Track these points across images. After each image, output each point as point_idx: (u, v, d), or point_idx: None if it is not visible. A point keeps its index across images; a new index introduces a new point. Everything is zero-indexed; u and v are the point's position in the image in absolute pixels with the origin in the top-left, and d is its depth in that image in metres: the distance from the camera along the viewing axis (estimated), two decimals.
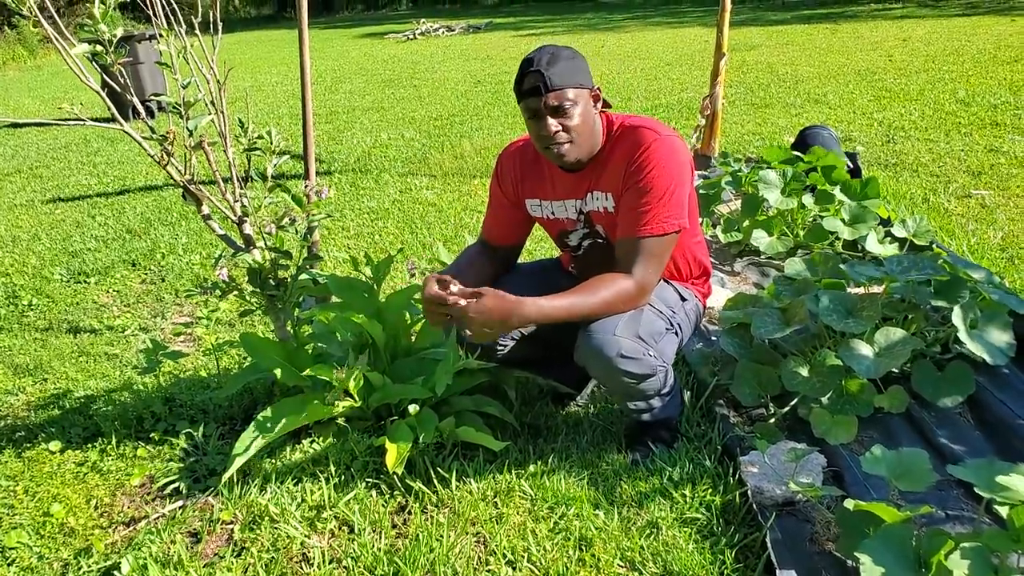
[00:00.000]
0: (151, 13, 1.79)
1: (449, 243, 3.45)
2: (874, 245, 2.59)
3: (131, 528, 1.76)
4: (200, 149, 1.81)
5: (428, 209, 4.04)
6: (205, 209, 1.93)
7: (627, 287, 1.60)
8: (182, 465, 1.95)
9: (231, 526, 1.72)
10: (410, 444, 1.75)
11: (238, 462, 1.74)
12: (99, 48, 1.69)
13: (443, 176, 4.71)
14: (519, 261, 1.99)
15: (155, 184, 5.09)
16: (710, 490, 1.68)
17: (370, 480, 1.80)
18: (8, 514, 1.82)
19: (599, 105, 1.67)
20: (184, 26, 1.84)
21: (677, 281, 1.86)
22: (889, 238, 2.67)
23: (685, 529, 1.58)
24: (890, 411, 1.87)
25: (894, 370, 1.84)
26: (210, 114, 1.86)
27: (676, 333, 1.76)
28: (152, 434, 2.07)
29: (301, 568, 1.58)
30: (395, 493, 1.77)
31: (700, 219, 2.40)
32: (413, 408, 1.84)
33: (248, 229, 1.95)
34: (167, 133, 1.77)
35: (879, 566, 1.19)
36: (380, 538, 1.64)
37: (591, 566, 1.52)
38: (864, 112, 5.32)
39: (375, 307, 1.98)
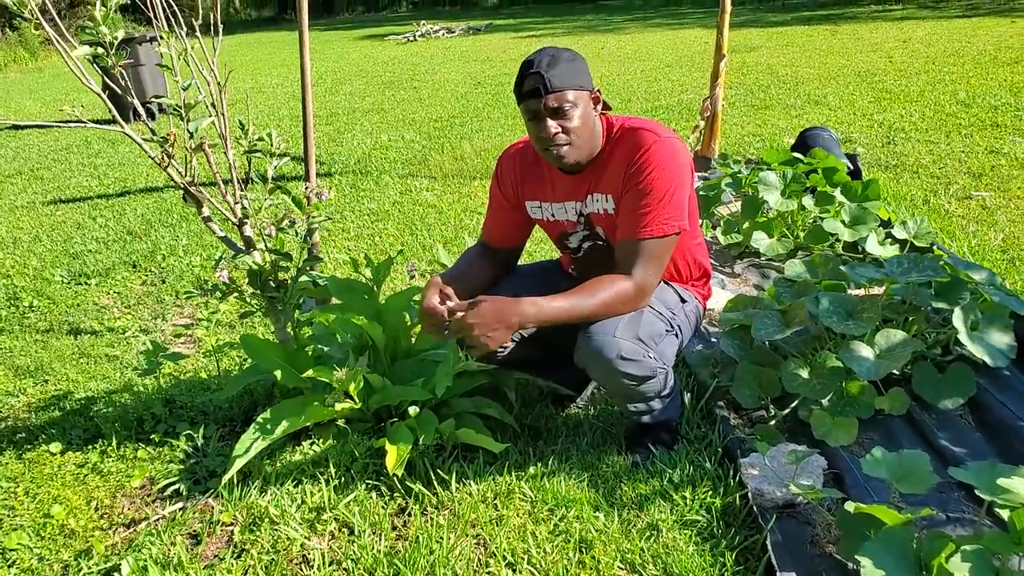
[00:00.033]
0: (152, 15, 1.80)
1: (449, 245, 3.45)
2: (874, 247, 2.59)
3: (131, 530, 1.76)
4: (201, 151, 1.81)
5: (428, 211, 4.04)
6: (205, 211, 1.93)
7: (627, 289, 1.60)
8: (182, 467, 1.95)
9: (231, 528, 1.71)
10: (410, 446, 1.75)
11: (238, 464, 1.74)
12: (100, 50, 1.70)
13: (443, 178, 4.71)
14: (519, 263, 2.00)
15: (156, 186, 5.10)
16: (710, 492, 1.68)
17: (370, 482, 1.80)
18: (9, 515, 1.82)
19: (599, 107, 1.67)
20: (185, 28, 1.85)
21: (677, 283, 1.86)
22: (890, 240, 2.67)
23: (685, 531, 1.58)
24: (891, 413, 1.86)
25: (895, 372, 1.84)
26: (211, 116, 1.86)
27: (676, 335, 1.76)
28: (152, 436, 2.07)
29: (301, 570, 1.58)
30: (395, 495, 1.77)
31: (700, 221, 2.40)
32: (413, 410, 1.84)
33: (248, 231, 1.95)
34: (168, 135, 1.77)
35: (880, 569, 1.19)
36: (380, 540, 1.64)
37: (591, 568, 1.52)
38: (864, 113, 5.32)
39: (375, 309, 1.98)
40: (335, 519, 1.70)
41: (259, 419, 1.80)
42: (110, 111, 1.79)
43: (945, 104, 5.34)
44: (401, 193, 4.46)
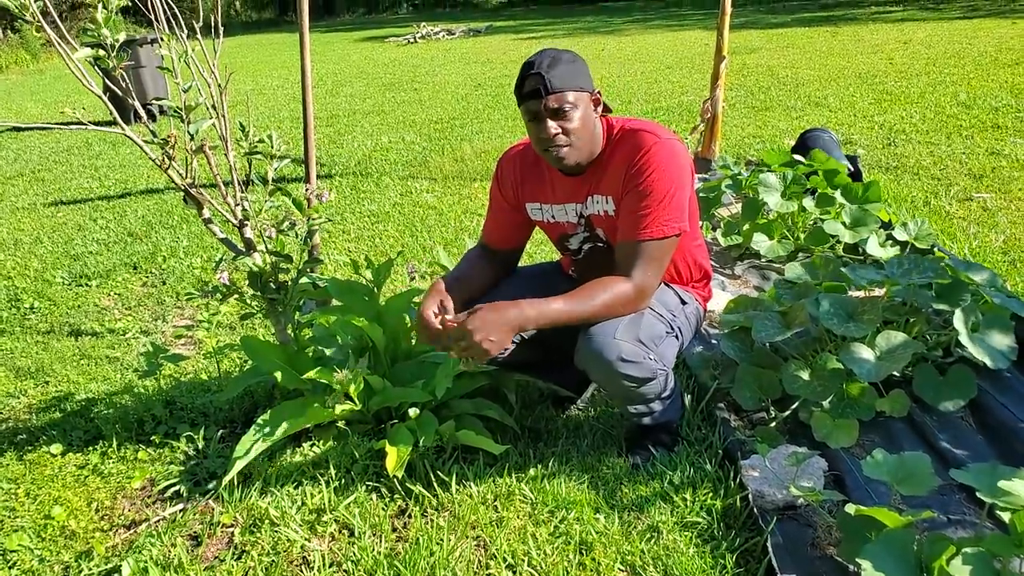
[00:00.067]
0: (153, 17, 1.80)
1: (449, 246, 3.45)
2: (875, 248, 2.59)
3: (132, 531, 1.76)
4: (201, 153, 1.81)
5: (428, 212, 4.05)
6: (206, 213, 1.93)
7: (627, 290, 1.60)
8: (183, 468, 1.95)
9: (231, 529, 1.71)
10: (410, 447, 1.76)
11: (238, 465, 1.74)
12: (101, 52, 1.70)
13: (443, 179, 4.72)
14: (519, 265, 2.00)
15: (156, 188, 5.10)
16: (711, 494, 1.68)
17: (370, 483, 1.80)
18: (9, 517, 1.82)
19: (599, 109, 1.67)
20: (185, 30, 1.85)
21: (677, 284, 1.86)
22: (890, 241, 2.67)
23: (686, 533, 1.58)
24: (891, 415, 1.86)
25: (895, 374, 1.84)
26: (211, 118, 1.86)
27: (677, 336, 1.76)
28: (153, 437, 2.07)
29: (301, 571, 1.58)
30: (395, 496, 1.77)
31: (700, 222, 2.40)
32: (413, 411, 1.84)
33: (249, 233, 1.95)
34: (168, 137, 1.77)
35: (880, 571, 1.19)
36: (380, 542, 1.64)
37: (591, 570, 1.52)
38: (865, 115, 5.32)
39: (375, 310, 1.98)
40: (335, 521, 1.70)
41: (259, 421, 1.80)
42: (111, 113, 1.79)
43: (946, 106, 5.34)
44: (401, 195, 4.46)
